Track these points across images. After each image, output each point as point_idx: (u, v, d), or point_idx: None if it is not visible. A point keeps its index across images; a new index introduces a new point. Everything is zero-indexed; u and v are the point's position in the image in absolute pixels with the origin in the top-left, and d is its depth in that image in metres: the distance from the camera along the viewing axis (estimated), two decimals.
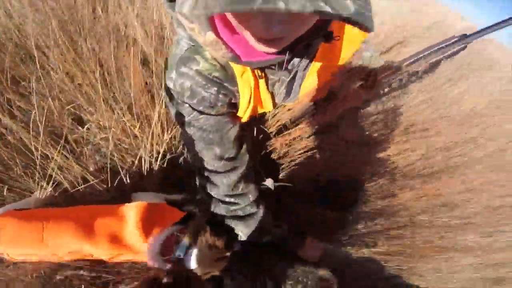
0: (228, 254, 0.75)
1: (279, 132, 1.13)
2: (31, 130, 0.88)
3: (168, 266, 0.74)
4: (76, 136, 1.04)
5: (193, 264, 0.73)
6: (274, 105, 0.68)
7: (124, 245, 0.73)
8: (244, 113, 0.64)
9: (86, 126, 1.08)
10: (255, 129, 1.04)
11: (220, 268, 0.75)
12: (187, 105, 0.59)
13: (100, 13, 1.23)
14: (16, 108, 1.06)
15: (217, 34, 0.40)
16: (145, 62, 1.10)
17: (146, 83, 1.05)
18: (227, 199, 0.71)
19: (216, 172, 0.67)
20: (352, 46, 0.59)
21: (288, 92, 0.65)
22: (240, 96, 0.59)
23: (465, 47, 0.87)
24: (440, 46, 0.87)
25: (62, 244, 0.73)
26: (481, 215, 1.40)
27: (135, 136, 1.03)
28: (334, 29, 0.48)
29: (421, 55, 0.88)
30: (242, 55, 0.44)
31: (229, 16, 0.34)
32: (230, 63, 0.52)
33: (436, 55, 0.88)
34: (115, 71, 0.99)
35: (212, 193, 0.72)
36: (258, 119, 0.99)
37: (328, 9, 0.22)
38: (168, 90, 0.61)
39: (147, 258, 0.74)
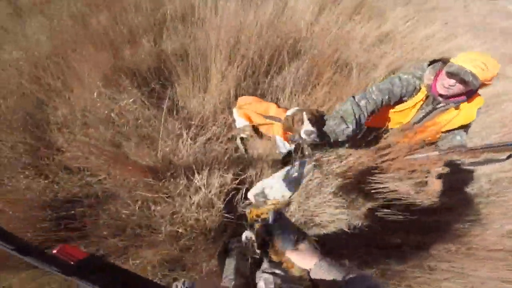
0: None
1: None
2: None
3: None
4: None
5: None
6: (407, 122, 1.50)
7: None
8: (411, 102, 1.43)
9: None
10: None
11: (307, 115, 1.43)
12: (400, 84, 1.39)
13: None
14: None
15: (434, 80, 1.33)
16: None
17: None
18: (361, 114, 1.40)
19: (368, 100, 1.41)
20: (464, 119, 1.37)
21: (419, 120, 1.46)
22: (414, 97, 1.41)
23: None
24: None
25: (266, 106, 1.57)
26: None
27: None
28: (462, 106, 1.33)
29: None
30: (433, 88, 1.33)
31: (443, 75, 1.26)
32: (425, 86, 1.37)
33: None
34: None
35: (361, 103, 1.41)
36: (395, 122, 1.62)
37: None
38: (399, 76, 1.42)
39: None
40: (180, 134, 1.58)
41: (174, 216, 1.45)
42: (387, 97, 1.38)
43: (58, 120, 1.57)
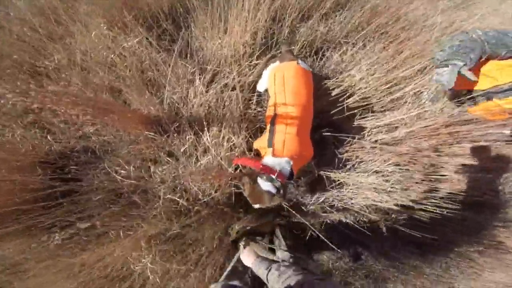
0: None
1: None
2: None
3: None
4: None
5: None
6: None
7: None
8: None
9: None
10: None
11: None
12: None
13: None
14: None
15: None
16: None
17: None
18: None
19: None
20: None
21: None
22: None
23: None
24: None
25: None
26: None
27: None
28: None
29: None
30: None
31: None
32: None
33: None
34: None
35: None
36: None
37: None
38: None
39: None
40: (192, 79, 1.25)
41: (176, 182, 1.12)
42: (494, 41, 1.21)
43: (55, 66, 1.35)
